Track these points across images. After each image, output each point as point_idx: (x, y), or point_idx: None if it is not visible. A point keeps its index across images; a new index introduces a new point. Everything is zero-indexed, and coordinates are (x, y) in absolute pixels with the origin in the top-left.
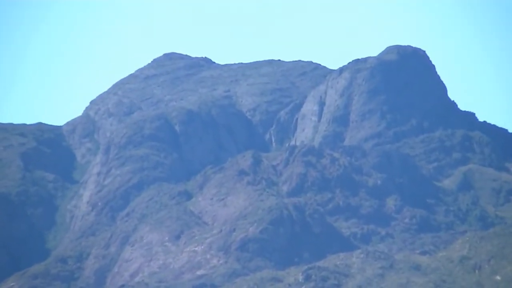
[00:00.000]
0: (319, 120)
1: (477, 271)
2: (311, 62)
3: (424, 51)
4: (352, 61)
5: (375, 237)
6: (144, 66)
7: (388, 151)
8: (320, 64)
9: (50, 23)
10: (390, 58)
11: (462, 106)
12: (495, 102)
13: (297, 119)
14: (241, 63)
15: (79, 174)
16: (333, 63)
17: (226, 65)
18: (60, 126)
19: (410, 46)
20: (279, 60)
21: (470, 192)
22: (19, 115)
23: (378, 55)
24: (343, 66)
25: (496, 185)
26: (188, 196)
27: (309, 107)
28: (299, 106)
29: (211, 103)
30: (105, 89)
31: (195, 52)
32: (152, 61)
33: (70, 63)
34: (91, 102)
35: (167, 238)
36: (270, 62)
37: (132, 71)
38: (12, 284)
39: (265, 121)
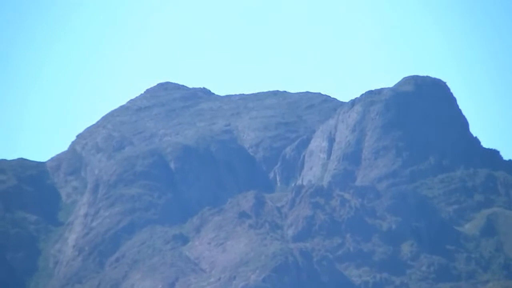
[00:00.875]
0: (328, 158)
1: None
2: (320, 93)
3: (445, 82)
4: (365, 92)
5: (389, 287)
6: (136, 97)
7: (404, 192)
8: (329, 96)
9: (34, 48)
10: (407, 89)
11: (485, 143)
12: None
13: (304, 156)
14: (243, 94)
15: (64, 215)
16: (344, 95)
17: (226, 96)
18: (44, 162)
19: (429, 76)
20: (285, 91)
21: (494, 238)
22: None
23: (394, 86)
24: (355, 98)
25: None
26: (184, 240)
27: (318, 143)
28: (306, 142)
29: (209, 138)
30: (93, 122)
31: (192, 82)
32: (145, 92)
33: (55, 93)
34: (77, 136)
35: (160, 286)
36: (275, 93)
37: (123, 103)
38: None
39: (269, 158)
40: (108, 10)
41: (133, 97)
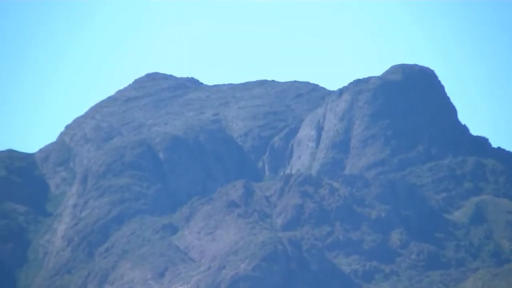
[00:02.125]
0: (317, 147)
1: None
2: (308, 83)
3: (433, 71)
4: (353, 81)
5: (379, 275)
6: (125, 88)
7: (392, 180)
8: (318, 85)
9: (21, 40)
10: (395, 78)
11: (474, 131)
12: (510, 126)
13: (292, 145)
14: (231, 84)
15: (53, 206)
16: (332, 84)
17: (214, 86)
18: (32, 154)
19: (417, 65)
20: (273, 80)
21: (483, 226)
22: None
23: (382, 75)
24: (343, 87)
25: (511, 218)
26: (173, 230)
27: (306, 132)
28: (294, 131)
29: (198, 128)
30: (82, 112)
31: (180, 72)
32: (133, 82)
33: (43, 85)
34: (66, 127)
35: (150, 276)
36: (263, 82)
37: (112, 93)
38: None
39: (257, 148)
40: (96, 3)
41: (121, 87)
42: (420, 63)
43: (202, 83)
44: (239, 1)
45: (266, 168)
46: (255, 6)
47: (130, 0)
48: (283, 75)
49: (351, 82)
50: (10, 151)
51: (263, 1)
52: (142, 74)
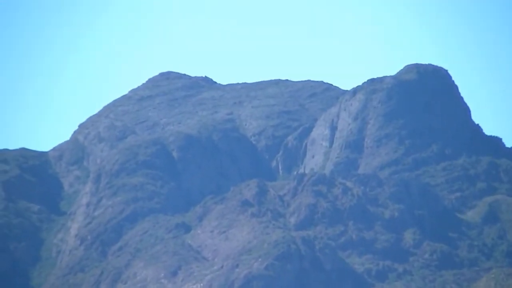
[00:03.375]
0: (330, 146)
1: None
2: (322, 82)
3: (446, 70)
4: (367, 81)
5: (392, 274)
6: (139, 87)
7: (406, 180)
8: (331, 85)
9: (35, 40)
10: (409, 77)
11: (487, 131)
12: None
13: (306, 144)
14: (245, 83)
15: (66, 205)
16: (346, 84)
17: (228, 85)
18: (46, 152)
19: (431, 64)
20: (287, 80)
21: (497, 225)
22: (1, 140)
23: (396, 74)
24: (357, 86)
25: None
26: (187, 228)
27: (320, 131)
28: (308, 131)
29: (212, 127)
30: (96, 111)
31: (194, 71)
32: (147, 81)
33: (57, 83)
34: (80, 126)
35: (162, 274)
36: (277, 82)
37: (125, 92)
38: None
39: (271, 147)
40: (110, 2)
41: (135, 86)
42: (434, 63)
43: (216, 82)
44: (254, 0)
45: (280, 167)
46: (270, 5)
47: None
48: (297, 75)
49: (365, 82)
50: (24, 150)
51: (277, 1)
52: (156, 73)
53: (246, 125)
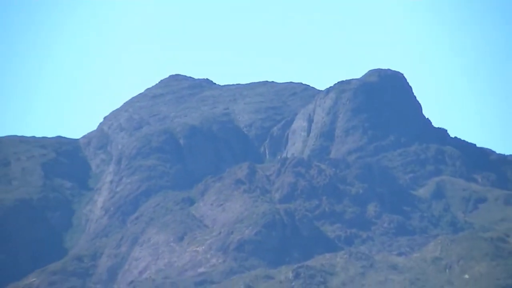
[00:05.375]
0: (308, 135)
1: (447, 270)
2: (301, 83)
3: (402, 74)
4: (338, 82)
5: (357, 240)
6: (152, 86)
7: (369, 163)
8: (309, 85)
9: (73, 48)
10: (372, 80)
11: (435, 123)
12: (465, 119)
13: (288, 134)
14: (239, 84)
15: (93, 182)
16: (321, 84)
17: (225, 85)
18: (77, 139)
19: (389, 69)
20: (273, 81)
21: (442, 200)
22: (40, 129)
23: (361, 77)
24: (330, 87)
25: (466, 194)
26: (191, 202)
27: (299, 123)
28: (290, 123)
29: (211, 120)
30: (118, 106)
31: (197, 73)
32: (159, 82)
33: (87, 83)
34: (105, 118)
35: (172, 239)
36: (265, 83)
37: (142, 91)
38: (33, 279)
39: (259, 136)
40: (134, 16)
41: (149, 86)
42: (392, 68)
43: (215, 83)
44: (243, 17)
45: (267, 152)
46: (258, 20)
47: (159, 16)
48: (281, 77)
49: (336, 83)
50: (59, 137)
51: (264, 17)
52: (167, 75)
53: (239, 118)
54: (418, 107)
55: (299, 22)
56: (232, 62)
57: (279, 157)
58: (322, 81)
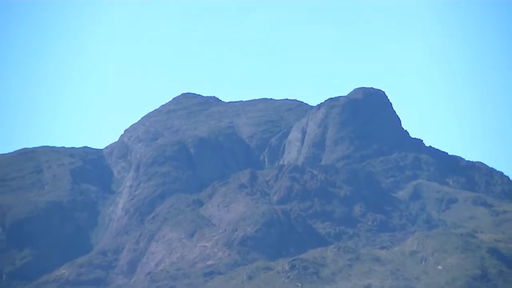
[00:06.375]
0: (302, 145)
1: (423, 262)
2: (296, 100)
3: (383, 92)
4: (327, 99)
5: (345, 236)
6: (166, 103)
7: (355, 169)
8: (303, 102)
9: (91, 64)
10: (357, 97)
11: (412, 134)
12: (439, 131)
13: (284, 144)
14: (242, 101)
15: (115, 187)
16: (313, 101)
17: (230, 102)
18: (101, 149)
19: (372, 87)
20: (271, 98)
21: (419, 201)
22: (69, 141)
23: (348, 94)
24: (321, 103)
25: (439, 196)
26: (200, 203)
27: (294, 135)
28: (286, 134)
29: (218, 132)
30: (136, 120)
31: (206, 92)
32: (172, 99)
33: (110, 101)
34: (125, 131)
35: (183, 236)
36: (264, 100)
37: (157, 107)
38: (63, 271)
39: (260, 146)
40: (152, 43)
41: (164, 103)
42: (375, 86)
43: (221, 100)
44: (246, 43)
45: (266, 160)
46: (259, 45)
47: (174, 41)
48: (278, 94)
49: (326, 100)
50: (85, 148)
51: (264, 42)
52: (179, 93)
53: (242, 130)
54: (397, 120)
55: (295, 46)
56: (236, 82)
57: (276, 164)
58: (314, 98)
